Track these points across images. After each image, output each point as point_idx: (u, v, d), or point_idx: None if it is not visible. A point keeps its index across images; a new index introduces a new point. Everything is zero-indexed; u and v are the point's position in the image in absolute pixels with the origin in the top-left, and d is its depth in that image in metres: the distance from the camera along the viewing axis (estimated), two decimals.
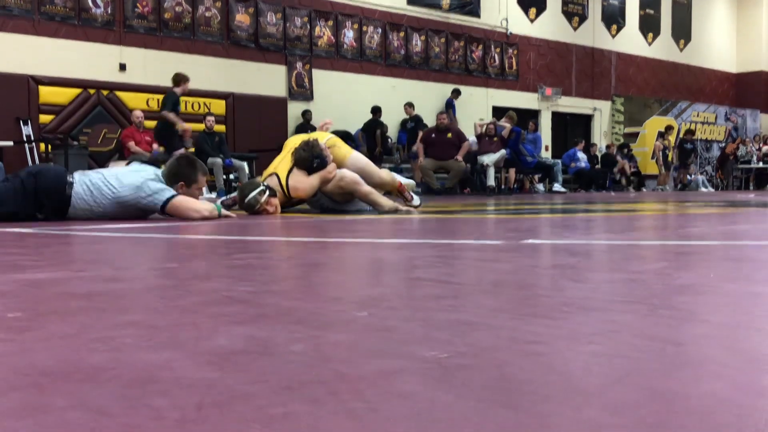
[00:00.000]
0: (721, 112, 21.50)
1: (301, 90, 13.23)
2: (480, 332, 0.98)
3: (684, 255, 2.19)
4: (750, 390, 0.72)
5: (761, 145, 19.78)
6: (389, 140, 13.58)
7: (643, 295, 1.34)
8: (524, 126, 14.14)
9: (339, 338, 0.96)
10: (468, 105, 15.31)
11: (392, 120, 13.86)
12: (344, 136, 12.01)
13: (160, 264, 1.96)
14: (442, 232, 3.31)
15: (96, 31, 10.98)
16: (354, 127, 13.14)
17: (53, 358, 0.84)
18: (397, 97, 14.15)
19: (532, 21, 17.12)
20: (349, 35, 13.89)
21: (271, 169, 5.16)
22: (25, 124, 10.25)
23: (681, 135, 18.77)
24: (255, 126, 12.41)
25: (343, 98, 13.60)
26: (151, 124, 10.77)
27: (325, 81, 13.48)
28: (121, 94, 11.14)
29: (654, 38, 20.25)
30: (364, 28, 14.09)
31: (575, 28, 18.12)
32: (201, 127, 10.98)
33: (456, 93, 14.74)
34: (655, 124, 18.53)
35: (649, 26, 20.11)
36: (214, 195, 10.57)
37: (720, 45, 22.38)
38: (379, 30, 14.31)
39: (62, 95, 10.63)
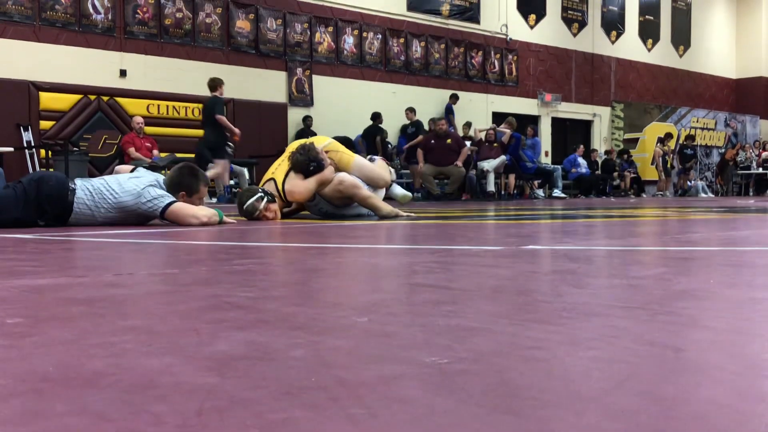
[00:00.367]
0: (720, 117, 21.52)
1: (302, 96, 13.25)
2: (480, 338, 0.98)
3: (684, 260, 2.19)
4: (750, 395, 0.72)
5: (761, 150, 19.79)
6: (389, 146, 13.59)
7: (643, 301, 1.34)
8: (523, 131, 14.16)
9: (339, 344, 0.96)
10: (468, 111, 15.32)
11: (392, 126, 13.87)
12: (344, 142, 12.02)
13: (160, 270, 1.96)
14: (442, 238, 3.31)
15: (96, 38, 11.00)
16: (354, 133, 13.16)
17: (53, 364, 0.84)
18: (397, 102, 14.17)
19: (531, 27, 17.16)
20: (349, 41, 13.92)
21: (269, 174, 5.16)
22: (26, 130, 10.25)
23: (681, 141, 18.79)
24: (255, 132, 12.41)
25: (344, 104, 13.61)
26: (151, 130, 10.79)
27: (326, 87, 13.50)
28: (121, 100, 11.15)
29: (654, 44, 20.29)
30: (364, 34, 14.12)
31: (575, 34, 18.16)
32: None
33: (454, 98, 14.76)
34: (654, 129, 18.55)
35: (649, 32, 20.14)
36: (214, 201, 10.58)
37: (719, 51, 22.42)
38: (379, 36, 14.34)
39: (63, 101, 10.64)
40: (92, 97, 10.89)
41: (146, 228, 3.86)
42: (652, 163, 17.65)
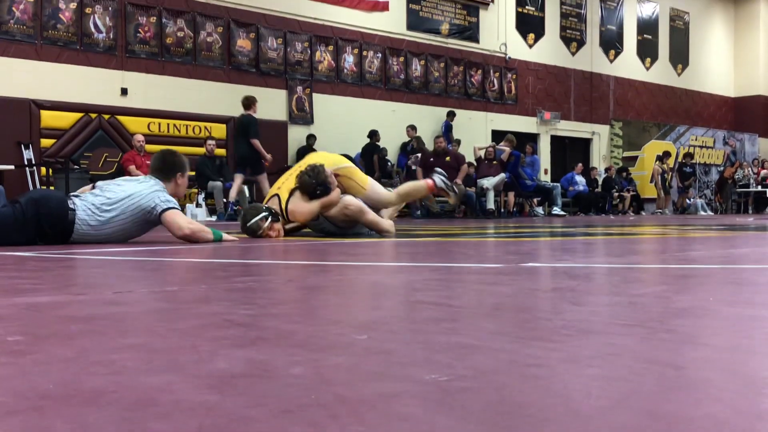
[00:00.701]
0: (719, 136, 21.59)
1: (302, 114, 13.30)
2: (480, 355, 0.98)
3: (683, 278, 2.19)
4: (749, 413, 0.72)
5: (759, 168, 19.83)
6: (389, 163, 13.62)
7: (643, 318, 1.34)
8: (522, 149, 14.20)
9: (339, 361, 0.96)
10: (467, 129, 15.38)
11: (392, 143, 13.93)
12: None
13: (160, 287, 1.96)
14: (442, 255, 3.31)
15: (98, 56, 11.07)
16: (354, 150, 13.19)
17: (53, 382, 0.84)
18: (397, 120, 14.23)
19: (530, 46, 17.27)
20: (349, 60, 14.00)
21: (274, 188, 5.14)
22: (26, 148, 10.28)
23: (680, 159, 18.84)
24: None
25: (344, 122, 13.67)
26: (152, 148, 10.81)
27: (326, 105, 13.57)
28: (122, 118, 11.20)
29: (652, 63, 20.41)
30: (364, 53, 14.21)
31: (573, 53, 18.27)
32: (202, 151, 11.03)
33: (452, 115, 14.82)
34: (653, 148, 18.60)
35: (647, 51, 20.27)
36: (214, 219, 10.58)
37: (717, 69, 22.54)
38: (379, 55, 14.43)
39: (64, 119, 10.68)
40: (93, 116, 10.94)
41: (146, 246, 3.86)
42: (651, 181, 17.69)
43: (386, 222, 4.96)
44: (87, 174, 9.99)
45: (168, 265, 2.79)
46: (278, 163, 12.28)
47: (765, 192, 19.13)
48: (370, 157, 13.11)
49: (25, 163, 10.19)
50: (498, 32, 16.51)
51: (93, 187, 4.22)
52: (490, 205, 12.67)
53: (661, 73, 20.66)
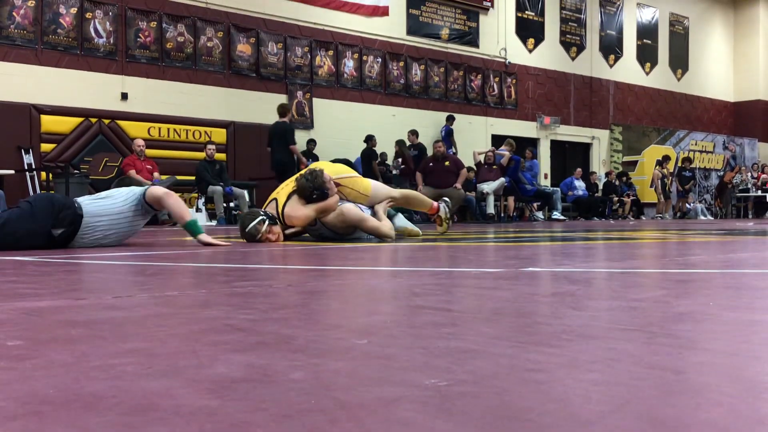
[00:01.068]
0: (719, 140, 21.61)
1: (302, 119, 13.32)
2: (480, 360, 0.98)
3: (683, 283, 2.19)
4: (749, 418, 0.72)
5: (759, 173, 19.84)
6: (389, 167, 13.63)
7: (643, 323, 1.34)
8: (521, 154, 14.22)
9: (339, 366, 0.96)
10: (467, 133, 15.41)
11: (392, 148, 13.94)
12: (345, 164, 12.15)
13: (160, 292, 1.96)
14: (442, 260, 3.31)
15: (98, 61, 11.09)
16: (354, 155, 13.21)
17: (53, 387, 0.84)
18: (396, 125, 14.24)
19: (530, 51, 17.30)
20: (349, 64, 14.02)
21: (274, 193, 5.15)
22: (27, 152, 10.29)
23: (679, 164, 18.86)
24: (255, 154, 12.47)
25: (344, 126, 13.69)
26: (152, 152, 10.83)
27: (326, 109, 13.59)
28: (122, 123, 11.22)
29: (652, 68, 20.44)
30: (364, 58, 14.23)
31: (573, 58, 18.30)
32: (202, 155, 11.04)
33: (451, 119, 14.84)
34: (653, 152, 18.62)
35: (647, 56, 20.30)
36: (214, 223, 10.58)
37: (717, 74, 22.58)
38: (379, 59, 14.45)
39: (64, 124, 10.69)
40: (93, 120, 10.95)
41: (146, 250, 3.86)
42: (651, 186, 17.70)
43: (386, 227, 4.95)
44: (87, 179, 10.00)
45: (168, 270, 2.79)
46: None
47: (765, 196, 19.14)
48: (369, 162, 13.12)
49: (26, 167, 10.20)
50: (498, 37, 16.54)
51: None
52: (490, 209, 12.67)
53: (660, 78, 20.69)
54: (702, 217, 17.53)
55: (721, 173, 21.00)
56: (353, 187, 5.18)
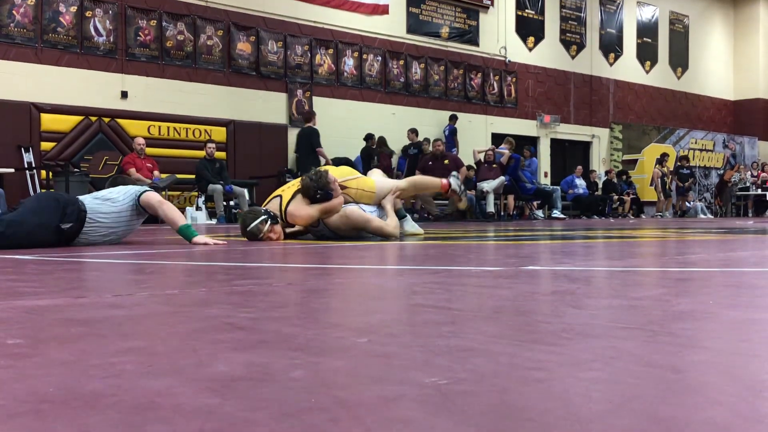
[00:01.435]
0: (719, 139, 21.60)
1: (302, 117, 13.31)
2: (480, 358, 0.98)
3: (683, 281, 2.19)
4: (749, 417, 0.72)
5: (759, 171, 19.84)
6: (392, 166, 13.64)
7: (643, 322, 1.34)
8: (519, 152, 14.22)
9: (339, 365, 0.96)
10: (468, 132, 15.40)
11: (392, 146, 13.93)
12: (345, 163, 12.22)
13: (160, 290, 1.96)
14: (442, 258, 3.31)
15: (98, 59, 11.08)
16: (354, 153, 13.21)
17: (53, 385, 0.84)
18: (397, 123, 14.24)
19: (530, 49, 17.29)
20: (349, 63, 14.01)
21: (278, 190, 5.14)
22: (27, 151, 10.29)
23: (677, 162, 18.85)
24: (255, 153, 12.47)
25: (344, 125, 13.68)
26: (152, 151, 10.83)
27: (326, 108, 13.58)
28: (122, 121, 11.21)
29: (652, 66, 20.43)
30: (364, 56, 14.22)
31: (573, 57, 18.29)
32: (202, 154, 11.04)
33: (454, 118, 14.84)
34: (653, 151, 18.61)
35: (647, 54, 20.29)
36: (214, 222, 10.58)
37: (717, 73, 22.57)
38: (379, 58, 14.44)
39: (64, 122, 10.69)
40: (93, 119, 10.94)
41: (146, 249, 3.87)
42: (651, 184, 17.69)
43: (390, 226, 4.93)
44: (87, 177, 10.00)
45: (168, 269, 2.79)
46: (278, 167, 12.30)
47: (765, 195, 19.13)
48: (369, 161, 13.13)
49: (26, 166, 10.20)
50: (498, 35, 16.53)
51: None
52: (490, 208, 12.68)
53: (660, 77, 20.68)
54: (702, 216, 17.53)
55: (721, 172, 20.99)
56: (359, 187, 5.15)
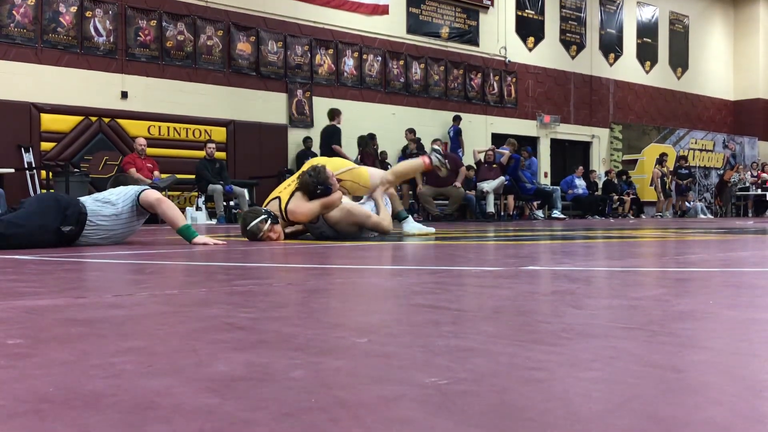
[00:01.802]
0: (719, 139, 21.60)
1: (302, 117, 13.31)
2: (479, 358, 0.98)
3: (683, 281, 2.19)
4: (749, 417, 0.72)
5: (759, 172, 19.84)
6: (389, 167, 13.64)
7: (643, 322, 1.34)
8: (518, 153, 14.21)
9: (339, 364, 0.96)
10: (467, 132, 15.40)
11: (393, 146, 13.94)
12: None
13: (160, 290, 1.96)
14: (442, 258, 3.31)
15: (98, 59, 11.08)
16: (354, 153, 13.21)
17: (53, 385, 0.84)
18: (396, 124, 14.24)
19: (530, 49, 17.29)
20: (349, 63, 14.02)
21: (276, 192, 5.16)
22: (27, 151, 10.29)
23: (676, 163, 18.86)
24: (255, 153, 12.47)
25: (344, 125, 13.67)
26: (152, 151, 10.83)
27: (326, 108, 13.57)
28: (122, 121, 11.21)
29: (652, 66, 20.43)
30: (364, 56, 14.22)
31: (573, 57, 18.29)
32: (202, 154, 11.04)
33: (458, 119, 14.85)
34: (653, 151, 18.61)
35: (647, 55, 20.29)
36: (214, 222, 10.58)
37: (717, 73, 22.57)
38: (379, 58, 14.45)
39: (64, 123, 10.69)
40: (93, 119, 10.95)
41: (146, 249, 3.87)
42: (651, 185, 17.69)
43: (386, 221, 5.00)
44: (87, 177, 10.00)
45: (168, 269, 2.79)
46: (278, 167, 12.30)
47: (765, 195, 19.13)
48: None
49: (26, 166, 10.20)
50: (498, 36, 16.53)
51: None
52: (490, 208, 12.68)
53: (660, 77, 20.68)
54: (702, 216, 17.53)
55: (721, 172, 20.99)
56: (354, 179, 5.23)
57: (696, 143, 20.71)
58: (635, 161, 18.70)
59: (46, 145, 10.53)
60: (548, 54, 17.65)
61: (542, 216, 14.43)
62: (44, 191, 9.69)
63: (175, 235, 4.29)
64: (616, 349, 1.05)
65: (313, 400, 0.77)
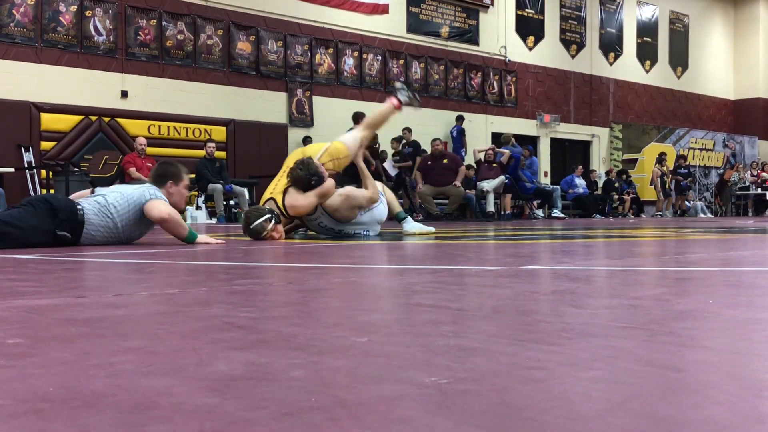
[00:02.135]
0: (719, 138, 21.60)
1: (302, 116, 13.31)
2: (479, 358, 0.98)
3: (683, 281, 2.19)
4: (749, 416, 0.72)
5: (759, 171, 19.84)
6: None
7: (643, 321, 1.34)
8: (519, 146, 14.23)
9: (339, 364, 0.96)
10: (467, 131, 15.40)
11: (391, 145, 13.93)
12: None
13: (160, 290, 1.96)
14: (442, 258, 3.31)
15: (98, 59, 11.08)
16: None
17: (53, 384, 0.84)
18: (396, 123, 14.22)
19: (530, 49, 17.28)
20: (349, 62, 14.01)
21: (267, 194, 5.17)
22: (27, 150, 10.29)
23: (675, 162, 18.86)
24: (255, 152, 12.47)
25: (344, 124, 13.66)
26: (152, 150, 10.82)
27: (326, 107, 13.58)
28: (122, 121, 11.21)
29: (652, 66, 20.43)
30: (364, 56, 14.22)
31: (573, 56, 18.28)
32: (202, 153, 11.03)
33: (461, 119, 14.84)
34: (653, 150, 18.62)
35: (647, 54, 20.29)
36: (214, 221, 10.58)
37: (717, 72, 22.56)
38: (379, 57, 14.44)
39: (64, 122, 10.69)
40: (93, 118, 10.94)
41: (146, 248, 3.86)
42: (650, 184, 17.69)
43: (372, 188, 5.18)
44: (87, 176, 9.99)
45: (168, 268, 2.79)
46: (278, 166, 12.28)
47: (765, 194, 19.13)
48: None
49: (25, 165, 10.20)
50: (498, 35, 16.53)
51: (92, 192, 4.31)
52: (490, 207, 12.67)
53: (660, 76, 20.68)
54: (702, 215, 17.53)
55: (721, 171, 20.99)
56: (334, 156, 5.36)
57: (696, 142, 20.71)
58: (635, 160, 18.69)
59: (46, 145, 10.53)
60: (548, 53, 17.64)
61: (542, 215, 14.43)
62: (44, 191, 9.69)
63: (169, 236, 4.28)
64: (616, 349, 1.05)
65: (313, 399, 0.77)
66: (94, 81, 10.99)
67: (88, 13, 10.97)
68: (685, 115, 21.46)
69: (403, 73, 14.81)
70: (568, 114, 18.18)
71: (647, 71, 20.32)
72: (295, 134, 13.16)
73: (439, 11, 15.50)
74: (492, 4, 16.38)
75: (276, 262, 3.17)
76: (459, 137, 14.40)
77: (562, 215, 14.14)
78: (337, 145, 5.45)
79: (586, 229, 7.73)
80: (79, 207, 4.04)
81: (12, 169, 9.77)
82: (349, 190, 5.08)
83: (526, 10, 17.16)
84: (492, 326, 1.29)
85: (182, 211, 4.59)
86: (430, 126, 14.83)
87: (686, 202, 18.30)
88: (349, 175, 7.47)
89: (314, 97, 13.46)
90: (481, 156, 13.27)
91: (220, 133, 12.17)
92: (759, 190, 19.33)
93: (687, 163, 18.91)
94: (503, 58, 16.62)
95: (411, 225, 5.69)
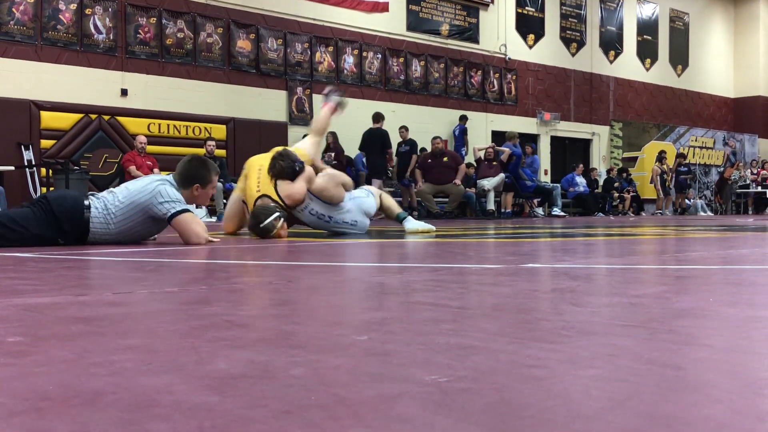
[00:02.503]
0: (719, 136, 21.59)
1: (302, 115, 13.30)
2: (479, 356, 0.98)
3: (683, 279, 2.19)
4: (749, 414, 0.72)
5: (759, 169, 19.83)
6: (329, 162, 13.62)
7: (643, 319, 1.34)
8: (521, 149, 14.21)
9: (339, 362, 0.96)
10: (468, 130, 15.40)
11: (392, 144, 13.92)
12: (346, 161, 12.30)
13: (160, 288, 1.96)
14: (442, 256, 3.31)
15: (98, 57, 11.07)
16: (353, 151, 13.20)
17: (53, 383, 0.84)
18: (396, 121, 14.22)
19: (530, 47, 17.27)
20: (349, 60, 14.00)
21: (252, 192, 5.08)
22: (27, 149, 10.28)
23: (676, 161, 18.86)
24: (255, 150, 12.37)
25: (343, 122, 13.66)
26: (152, 149, 10.82)
27: None
28: (122, 119, 11.20)
29: (652, 64, 20.41)
30: (364, 54, 14.21)
31: (573, 54, 18.27)
32: (202, 152, 11.02)
33: (464, 118, 14.82)
34: (653, 148, 18.61)
35: (647, 52, 20.27)
36: (214, 219, 10.58)
37: (717, 70, 22.55)
38: (379, 55, 14.43)
39: (64, 120, 10.68)
40: (93, 117, 10.93)
41: (147, 247, 3.86)
42: (651, 182, 17.69)
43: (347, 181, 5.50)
44: (87, 175, 9.99)
45: (168, 266, 2.79)
46: None
47: (765, 192, 19.13)
48: (375, 149, 13.04)
49: (25, 164, 10.19)
50: (498, 33, 16.52)
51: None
52: (490, 205, 12.67)
53: (660, 74, 20.66)
54: (702, 213, 17.53)
55: (721, 169, 20.98)
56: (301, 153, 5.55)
57: (696, 141, 20.70)
58: (635, 159, 18.69)
59: (45, 143, 10.52)
60: (548, 51, 17.63)
61: (542, 213, 14.43)
62: (44, 190, 9.69)
63: (174, 233, 4.27)
64: (616, 347, 1.05)
65: (313, 397, 0.77)
66: (93, 79, 10.98)
67: (87, 11, 10.96)
68: (685, 114, 21.44)
69: (403, 72, 14.80)
70: (568, 112, 18.17)
71: (647, 69, 20.30)
72: (295, 132, 13.14)
73: (439, 9, 15.49)
74: (492, 2, 16.36)
75: (276, 260, 3.17)
76: (461, 136, 14.38)
77: (563, 213, 14.14)
78: (298, 150, 5.62)
79: (586, 227, 7.73)
80: (86, 204, 3.90)
81: (12, 168, 9.77)
82: (329, 169, 5.47)
83: (526, 8, 17.15)
84: (492, 324, 1.29)
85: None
86: (429, 124, 14.82)
87: (686, 200, 18.29)
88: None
89: (314, 96, 13.45)
90: (482, 154, 13.27)
91: (220, 131, 12.16)
92: (759, 188, 19.32)
93: (687, 162, 18.91)
94: (503, 56, 16.61)
95: (412, 223, 5.69)
